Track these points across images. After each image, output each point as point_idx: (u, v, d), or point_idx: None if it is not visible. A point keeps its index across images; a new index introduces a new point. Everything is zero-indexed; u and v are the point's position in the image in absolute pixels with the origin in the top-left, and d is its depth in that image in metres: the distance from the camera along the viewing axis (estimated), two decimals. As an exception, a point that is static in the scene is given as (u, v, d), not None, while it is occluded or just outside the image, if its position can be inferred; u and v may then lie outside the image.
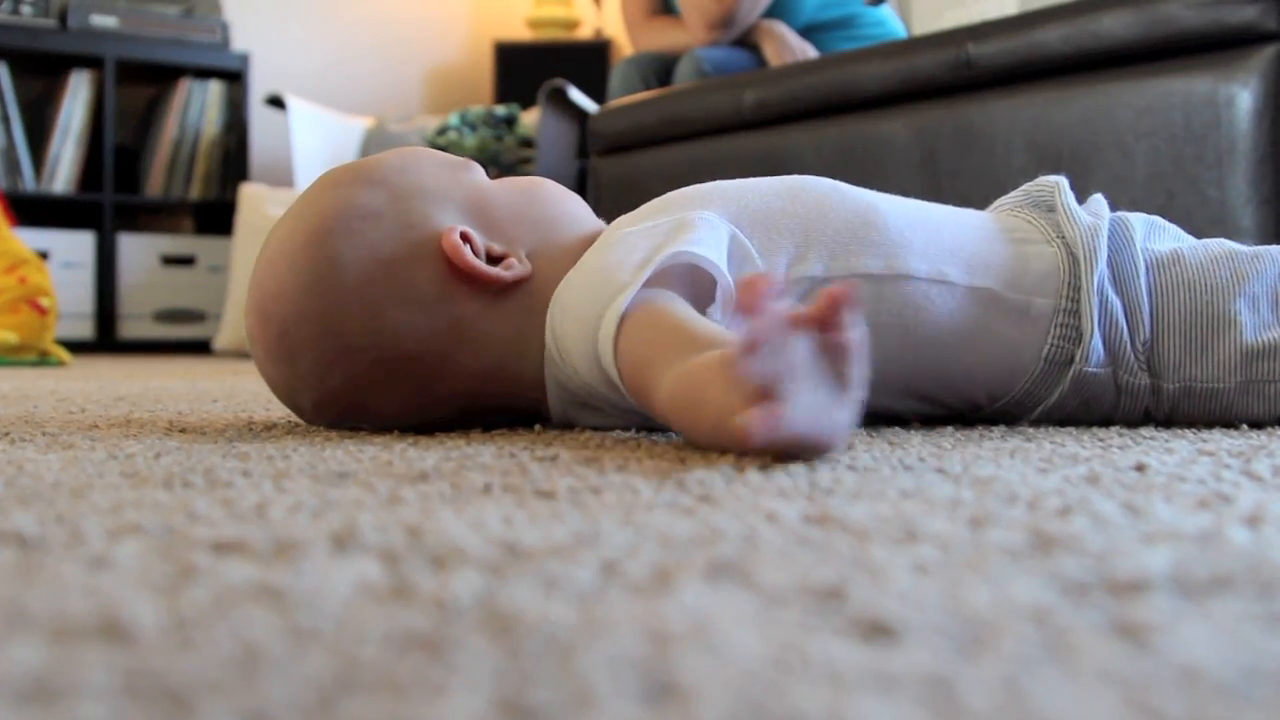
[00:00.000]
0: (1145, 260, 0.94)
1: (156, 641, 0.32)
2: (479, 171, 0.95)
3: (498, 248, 0.89)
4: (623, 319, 0.78)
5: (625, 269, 0.81)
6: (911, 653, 0.31)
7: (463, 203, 0.91)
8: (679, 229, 0.84)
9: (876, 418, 0.94)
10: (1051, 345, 0.92)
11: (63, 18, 3.69)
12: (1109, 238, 0.93)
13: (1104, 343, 0.92)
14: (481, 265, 0.87)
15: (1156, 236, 0.97)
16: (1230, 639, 0.32)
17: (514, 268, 0.88)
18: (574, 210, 0.96)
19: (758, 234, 0.88)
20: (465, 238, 0.87)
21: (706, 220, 0.86)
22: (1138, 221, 0.97)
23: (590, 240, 0.90)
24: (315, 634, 0.32)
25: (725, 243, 0.85)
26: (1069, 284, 0.92)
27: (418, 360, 0.87)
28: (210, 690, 0.28)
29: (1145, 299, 0.92)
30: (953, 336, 0.91)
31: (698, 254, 0.80)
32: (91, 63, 3.72)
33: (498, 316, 0.88)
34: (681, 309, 0.79)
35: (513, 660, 0.30)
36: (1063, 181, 0.98)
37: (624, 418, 0.86)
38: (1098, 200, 0.99)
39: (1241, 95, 1.50)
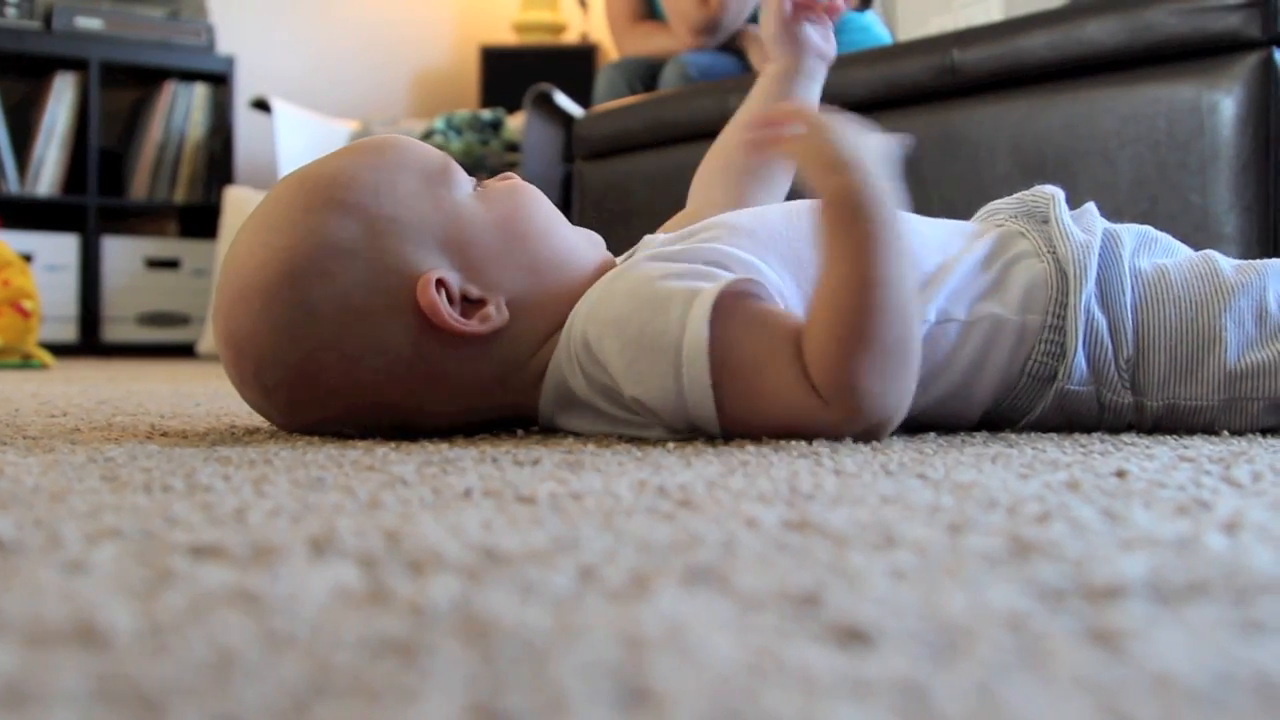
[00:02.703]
0: (1132, 277, 0.93)
1: (131, 646, 0.32)
2: (460, 182, 0.90)
3: (475, 290, 0.86)
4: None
5: (682, 304, 0.81)
6: (886, 658, 0.31)
7: (441, 237, 0.87)
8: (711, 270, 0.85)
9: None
10: (1035, 361, 0.91)
11: (47, 19, 3.67)
12: (1099, 254, 0.93)
13: (1087, 360, 0.91)
14: (457, 322, 0.84)
15: (1146, 250, 0.97)
16: (1205, 646, 0.32)
17: (490, 319, 0.85)
18: (560, 249, 0.91)
19: (774, 269, 0.88)
20: (441, 284, 0.85)
21: (735, 257, 0.86)
22: (1128, 235, 0.96)
23: (579, 288, 0.88)
24: (290, 639, 0.32)
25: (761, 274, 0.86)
26: (1056, 300, 0.91)
27: (395, 405, 0.86)
28: (183, 695, 0.28)
29: (1129, 316, 0.92)
30: (959, 367, 0.91)
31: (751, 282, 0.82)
32: (76, 65, 3.71)
33: (476, 365, 0.86)
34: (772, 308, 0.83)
35: (487, 666, 0.30)
36: (1059, 194, 0.98)
37: (617, 416, 0.86)
38: (1090, 212, 0.98)
39: (1225, 102, 1.51)
